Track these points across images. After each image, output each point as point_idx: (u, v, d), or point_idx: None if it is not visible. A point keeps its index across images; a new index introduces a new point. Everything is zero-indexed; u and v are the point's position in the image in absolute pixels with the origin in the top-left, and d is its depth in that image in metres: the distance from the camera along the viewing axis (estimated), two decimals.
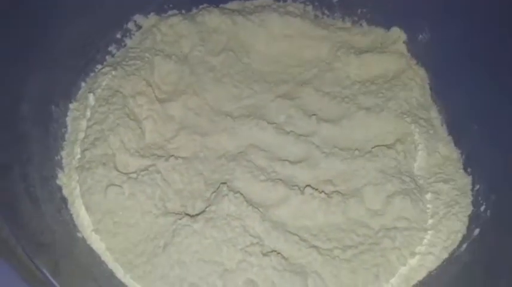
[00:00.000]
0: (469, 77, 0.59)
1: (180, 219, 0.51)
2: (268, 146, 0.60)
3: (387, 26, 0.68)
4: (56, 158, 0.55)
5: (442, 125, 0.62)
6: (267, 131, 0.61)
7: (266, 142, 0.61)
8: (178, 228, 0.50)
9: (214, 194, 0.55)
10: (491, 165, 0.54)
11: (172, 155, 0.58)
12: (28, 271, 0.37)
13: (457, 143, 0.60)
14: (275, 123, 0.62)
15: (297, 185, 0.57)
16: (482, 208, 0.53)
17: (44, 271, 0.38)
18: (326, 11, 0.72)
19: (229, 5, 0.71)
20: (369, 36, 0.69)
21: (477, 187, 0.55)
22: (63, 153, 0.56)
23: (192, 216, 0.52)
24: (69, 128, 0.58)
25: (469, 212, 0.54)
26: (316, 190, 0.56)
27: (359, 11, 0.70)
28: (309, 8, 0.72)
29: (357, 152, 0.60)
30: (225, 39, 0.68)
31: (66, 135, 0.58)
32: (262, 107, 0.64)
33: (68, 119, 0.59)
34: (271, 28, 0.69)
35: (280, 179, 0.57)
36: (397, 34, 0.68)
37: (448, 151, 0.60)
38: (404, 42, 0.67)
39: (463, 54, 0.60)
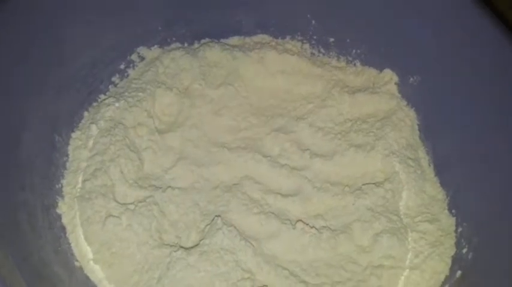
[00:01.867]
0: (456, 120, 0.62)
1: (175, 251, 0.53)
2: (262, 178, 0.63)
3: (380, 67, 0.71)
4: (57, 186, 0.57)
5: (429, 166, 0.64)
6: (261, 164, 0.63)
7: (260, 174, 0.63)
8: (173, 260, 0.52)
9: (208, 226, 0.56)
10: (475, 208, 0.57)
11: (170, 186, 0.59)
12: None
13: (443, 183, 0.62)
14: (270, 156, 0.64)
15: (289, 219, 0.59)
16: (464, 250, 0.55)
17: None
18: (322, 50, 0.75)
19: (229, 41, 0.74)
20: (362, 76, 0.72)
21: (460, 229, 0.57)
22: (64, 181, 0.58)
23: (186, 249, 0.54)
24: (70, 157, 0.60)
25: (452, 253, 0.56)
26: (307, 225, 0.58)
27: (353, 51, 0.73)
28: (306, 46, 0.75)
29: (347, 189, 0.62)
30: (225, 73, 0.71)
31: (67, 164, 0.59)
32: (258, 139, 0.66)
33: (70, 148, 0.60)
34: (270, 65, 0.72)
35: (273, 213, 0.59)
36: (389, 76, 0.70)
37: (434, 191, 0.62)
38: (395, 83, 0.70)
39: (451, 98, 0.63)
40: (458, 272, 0.53)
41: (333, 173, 0.64)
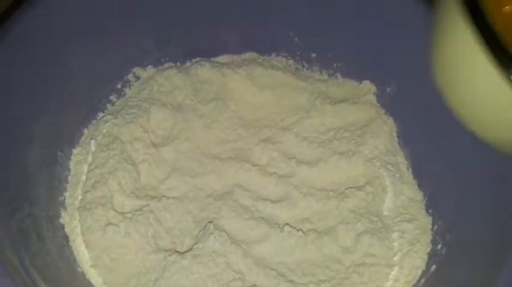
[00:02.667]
0: (431, 127, 0.66)
1: (170, 255, 0.57)
2: (252, 186, 0.66)
3: (359, 79, 0.76)
4: (60, 198, 0.61)
5: (407, 169, 0.69)
6: (251, 173, 0.67)
7: (250, 183, 0.67)
8: (168, 264, 0.56)
9: (201, 232, 0.61)
10: (448, 207, 0.61)
11: (165, 196, 0.64)
12: None
13: (421, 186, 0.66)
14: (259, 165, 0.68)
15: (277, 223, 0.63)
16: (439, 246, 0.59)
17: None
18: (306, 64, 0.79)
19: (219, 59, 0.78)
20: (343, 88, 0.76)
21: (435, 227, 0.61)
22: (66, 194, 0.62)
23: (181, 253, 0.58)
24: (72, 171, 0.64)
25: (429, 249, 0.60)
26: (294, 228, 0.62)
27: (334, 65, 0.77)
28: (291, 61, 0.79)
29: (331, 193, 0.66)
30: (215, 89, 0.75)
31: (69, 178, 0.63)
32: (247, 150, 0.70)
33: (71, 163, 0.65)
34: (257, 80, 0.76)
35: (262, 218, 0.63)
36: (368, 87, 0.75)
37: (412, 193, 0.66)
38: (374, 93, 0.74)
39: (426, 106, 0.67)
40: (433, 267, 0.57)
41: (318, 179, 0.68)
